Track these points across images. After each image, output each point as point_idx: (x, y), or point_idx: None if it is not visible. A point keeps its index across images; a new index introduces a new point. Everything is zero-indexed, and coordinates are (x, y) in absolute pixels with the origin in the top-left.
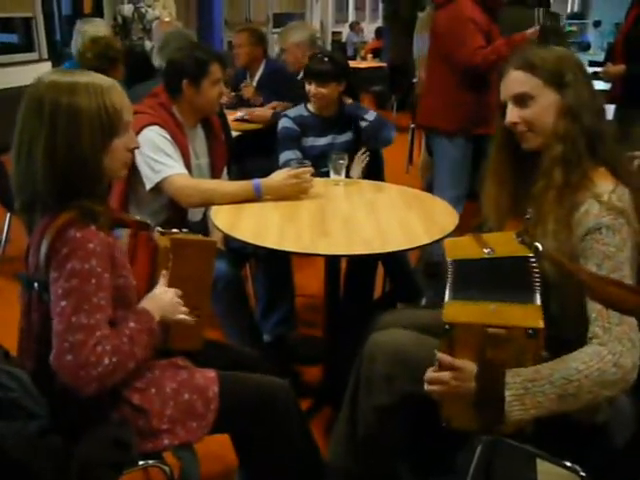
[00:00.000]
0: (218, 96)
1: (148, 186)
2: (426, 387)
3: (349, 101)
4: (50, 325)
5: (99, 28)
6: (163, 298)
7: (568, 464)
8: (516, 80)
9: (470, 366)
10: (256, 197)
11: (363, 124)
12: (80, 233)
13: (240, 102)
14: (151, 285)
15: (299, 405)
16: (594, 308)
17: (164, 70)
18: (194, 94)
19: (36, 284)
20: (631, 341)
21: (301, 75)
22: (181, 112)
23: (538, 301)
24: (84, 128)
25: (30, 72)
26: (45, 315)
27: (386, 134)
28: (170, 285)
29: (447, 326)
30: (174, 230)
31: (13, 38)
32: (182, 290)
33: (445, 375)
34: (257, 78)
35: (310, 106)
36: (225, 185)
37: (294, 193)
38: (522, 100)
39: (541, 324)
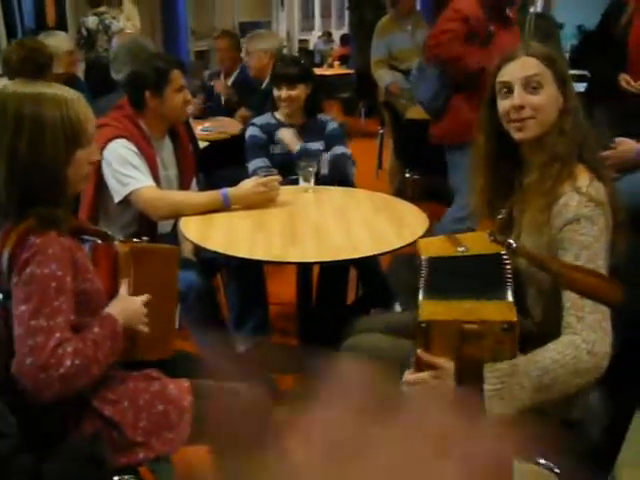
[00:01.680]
0: (183, 103)
1: (117, 199)
2: (405, 389)
3: (324, 115)
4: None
5: (60, 41)
6: (128, 305)
7: (543, 462)
8: (530, 65)
9: (448, 364)
10: (225, 206)
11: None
12: (40, 239)
13: (211, 112)
14: (113, 293)
15: (272, 412)
16: (568, 298)
17: (125, 83)
18: (158, 104)
19: (0, 294)
20: (603, 329)
21: (265, 84)
22: (147, 123)
23: (510, 297)
24: (47, 138)
25: None
26: (9, 324)
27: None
28: (134, 293)
29: (423, 324)
30: (135, 240)
31: None
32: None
33: (424, 375)
34: (232, 80)
35: (278, 114)
36: (194, 196)
37: (262, 201)
38: (532, 85)
39: (515, 318)
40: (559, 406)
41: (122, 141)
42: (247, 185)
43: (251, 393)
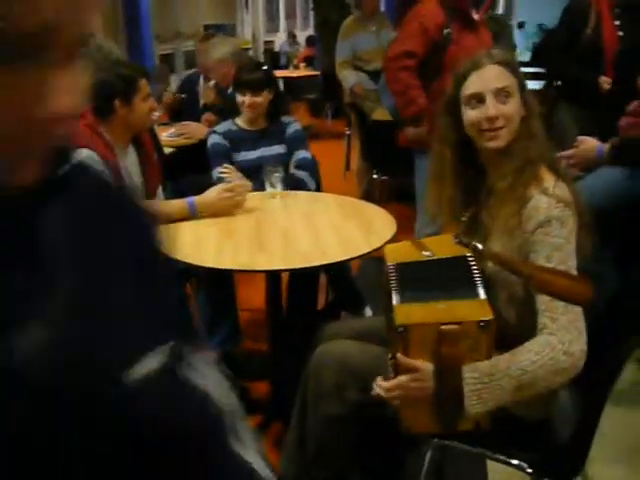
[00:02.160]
0: (149, 111)
1: None
2: (385, 395)
3: (287, 117)
4: None
5: None
6: None
7: (515, 462)
8: (499, 75)
9: (428, 366)
10: (191, 215)
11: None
12: None
13: (189, 113)
14: None
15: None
16: (542, 300)
17: (90, 91)
18: (127, 113)
19: None
20: (577, 329)
21: (230, 90)
22: (111, 132)
23: (483, 295)
24: None
25: None
26: None
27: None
28: None
29: (401, 329)
30: None
31: None
32: None
33: (404, 379)
34: (213, 82)
35: (239, 120)
36: (160, 205)
37: (229, 208)
38: (503, 95)
39: (491, 315)
40: (529, 406)
41: (85, 151)
42: (213, 192)
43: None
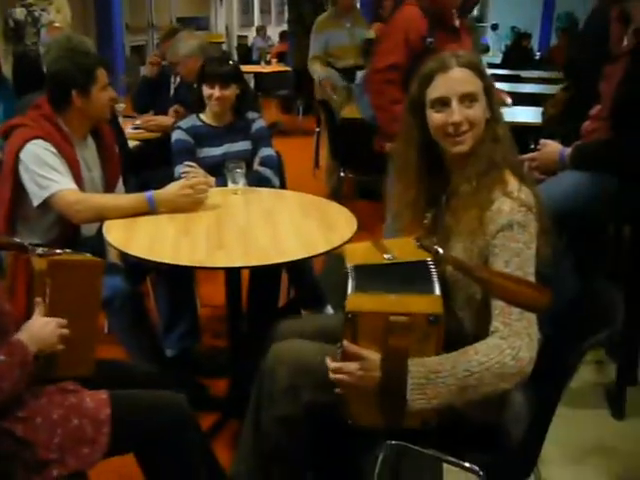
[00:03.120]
0: (108, 101)
1: (35, 203)
2: (331, 376)
3: (252, 113)
4: None
5: None
6: (41, 330)
7: (467, 465)
8: (465, 78)
9: (374, 355)
10: (150, 209)
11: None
12: None
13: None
14: (29, 313)
15: (195, 418)
16: (496, 305)
17: (47, 82)
18: (84, 103)
19: None
20: (529, 336)
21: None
22: (69, 123)
23: (438, 291)
24: None
25: None
26: None
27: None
28: (50, 311)
29: (350, 315)
30: (57, 251)
31: None
32: (64, 316)
33: (350, 365)
34: (178, 81)
35: (203, 116)
36: (117, 198)
37: (189, 204)
38: (469, 99)
39: (441, 310)
40: (480, 408)
41: (39, 142)
42: (173, 188)
43: (171, 399)
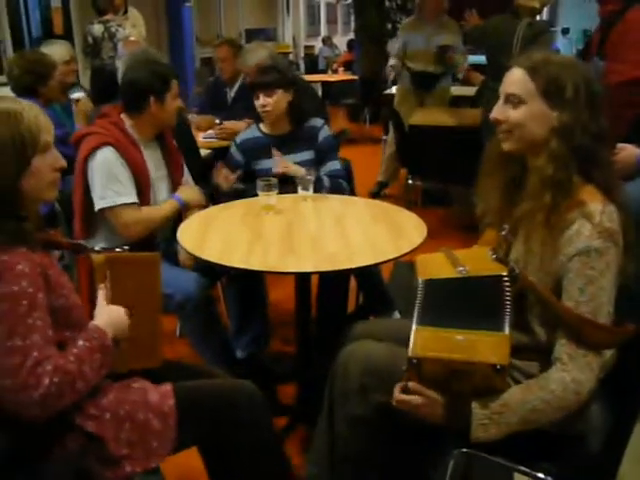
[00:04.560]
0: (177, 110)
1: (96, 208)
2: (395, 404)
3: (316, 120)
4: None
5: (61, 49)
6: (112, 314)
7: (541, 476)
8: (514, 79)
9: (437, 398)
10: (182, 208)
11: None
12: (7, 256)
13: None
14: (93, 304)
15: (270, 414)
16: (564, 334)
17: (125, 88)
18: (159, 109)
19: None
20: (592, 370)
21: None
22: (139, 128)
23: (507, 329)
24: None
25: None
26: None
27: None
28: (113, 303)
29: (414, 360)
30: (117, 249)
31: None
32: (127, 308)
33: (415, 399)
34: (235, 90)
35: (263, 126)
36: (160, 209)
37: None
38: (513, 100)
39: (507, 360)
40: (559, 420)
41: (107, 149)
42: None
43: (238, 385)
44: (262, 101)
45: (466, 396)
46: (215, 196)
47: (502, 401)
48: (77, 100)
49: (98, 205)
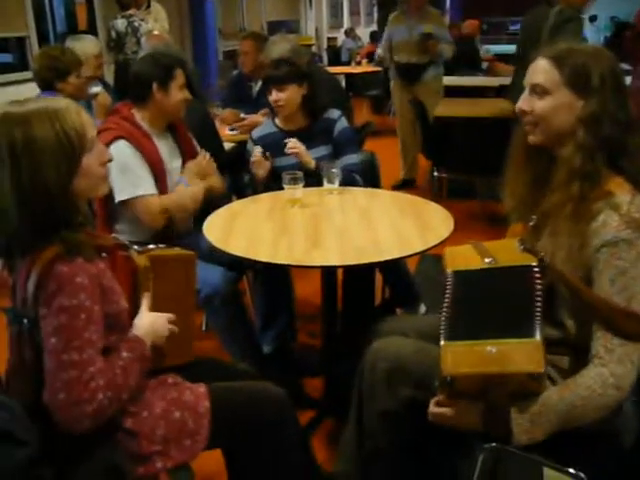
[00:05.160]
0: (183, 101)
1: (116, 200)
2: (431, 418)
3: (333, 112)
4: (42, 360)
5: (87, 44)
6: (153, 324)
7: (572, 471)
8: (539, 69)
9: (474, 406)
10: (185, 186)
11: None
12: (67, 267)
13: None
14: (134, 306)
15: (295, 413)
16: (599, 327)
17: (130, 81)
18: (163, 97)
19: (25, 320)
20: (632, 362)
21: None
22: (148, 119)
23: (539, 335)
24: (46, 159)
25: (25, 90)
26: (38, 350)
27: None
28: (154, 303)
29: (448, 378)
30: (151, 246)
31: (8, 58)
32: (166, 307)
33: (450, 411)
34: (260, 84)
35: (278, 121)
36: (173, 197)
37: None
38: (538, 91)
39: (542, 367)
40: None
41: (121, 142)
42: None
43: (271, 392)
44: (274, 96)
45: (503, 403)
46: (254, 187)
47: (540, 401)
48: (95, 95)
49: (118, 198)
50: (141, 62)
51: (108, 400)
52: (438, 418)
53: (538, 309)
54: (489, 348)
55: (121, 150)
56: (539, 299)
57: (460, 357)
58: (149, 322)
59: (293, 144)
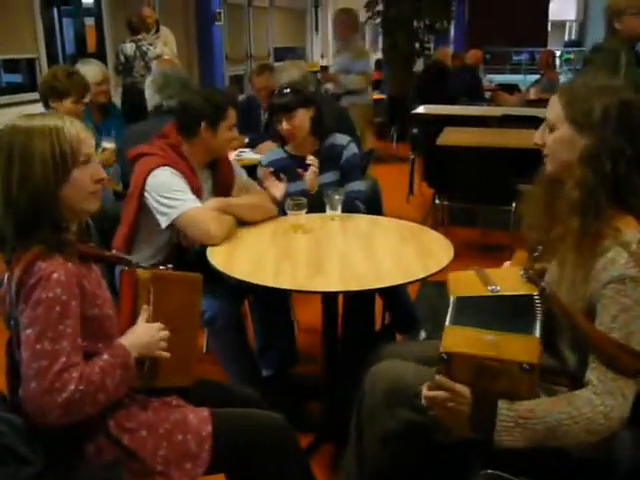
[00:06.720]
0: (231, 140)
1: (164, 224)
2: (423, 401)
3: (342, 138)
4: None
5: (93, 70)
6: (143, 335)
7: None
8: (551, 104)
9: (465, 392)
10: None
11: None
12: (45, 263)
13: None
14: (134, 319)
15: (297, 441)
16: (594, 358)
17: (179, 111)
18: (210, 137)
19: (12, 321)
20: (623, 396)
21: None
22: (192, 153)
23: (537, 333)
24: (36, 168)
25: (34, 110)
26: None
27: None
28: (154, 320)
29: (445, 355)
30: (161, 267)
31: (18, 78)
32: (167, 325)
33: (442, 395)
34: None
35: (288, 147)
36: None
37: None
38: (548, 126)
39: (536, 359)
40: (586, 445)
41: (167, 168)
42: None
43: (272, 420)
44: (285, 126)
45: (492, 397)
46: None
47: (529, 407)
48: (103, 149)
49: (169, 219)
50: (191, 95)
51: (80, 393)
52: (430, 401)
53: (539, 317)
54: (489, 337)
55: (167, 174)
56: (539, 314)
57: (460, 339)
58: (139, 333)
59: (313, 160)
